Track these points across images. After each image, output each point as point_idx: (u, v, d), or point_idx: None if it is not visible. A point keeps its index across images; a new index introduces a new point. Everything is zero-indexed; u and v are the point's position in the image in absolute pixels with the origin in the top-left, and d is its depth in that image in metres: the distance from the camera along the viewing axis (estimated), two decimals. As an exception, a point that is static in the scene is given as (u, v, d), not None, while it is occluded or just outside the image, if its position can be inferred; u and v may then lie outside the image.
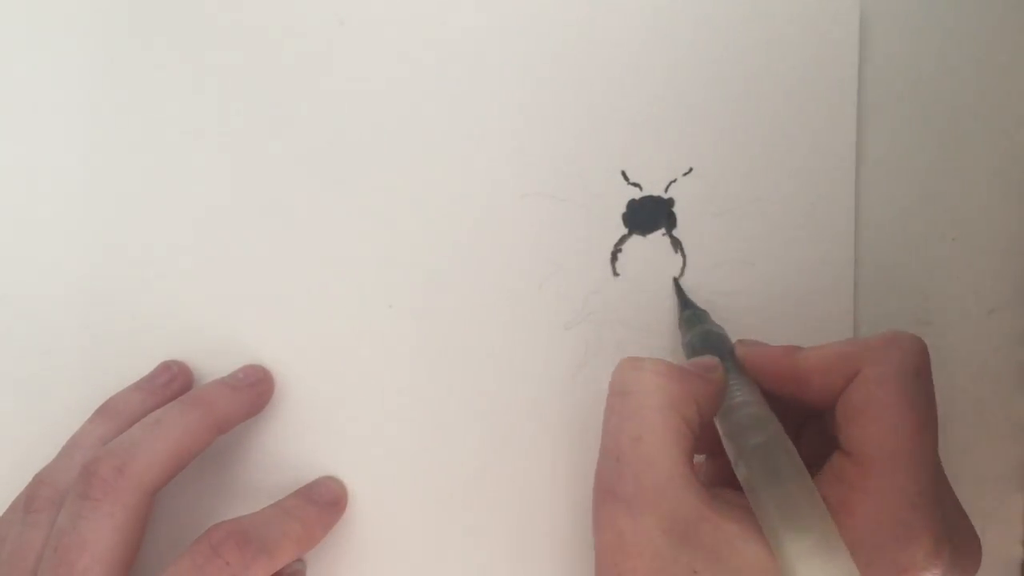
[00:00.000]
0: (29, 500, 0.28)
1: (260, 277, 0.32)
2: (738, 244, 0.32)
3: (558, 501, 0.32)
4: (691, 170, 0.32)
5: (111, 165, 0.32)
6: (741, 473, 0.24)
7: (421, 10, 0.31)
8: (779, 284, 0.32)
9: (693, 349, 0.29)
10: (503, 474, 0.32)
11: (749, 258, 0.32)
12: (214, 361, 0.32)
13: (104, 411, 0.30)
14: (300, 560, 0.31)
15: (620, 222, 0.32)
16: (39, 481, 0.28)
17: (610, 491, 0.24)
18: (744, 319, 0.32)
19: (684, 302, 0.31)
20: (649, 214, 0.32)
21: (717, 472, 0.29)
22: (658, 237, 0.32)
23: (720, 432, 0.26)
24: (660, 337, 0.32)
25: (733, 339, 0.29)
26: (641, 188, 0.32)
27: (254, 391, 0.31)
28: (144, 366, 0.32)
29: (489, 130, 0.32)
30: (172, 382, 0.31)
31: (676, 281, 0.32)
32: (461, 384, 0.32)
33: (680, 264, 0.32)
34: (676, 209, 0.32)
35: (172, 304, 0.32)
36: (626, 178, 0.32)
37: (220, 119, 0.32)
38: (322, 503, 0.31)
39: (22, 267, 0.32)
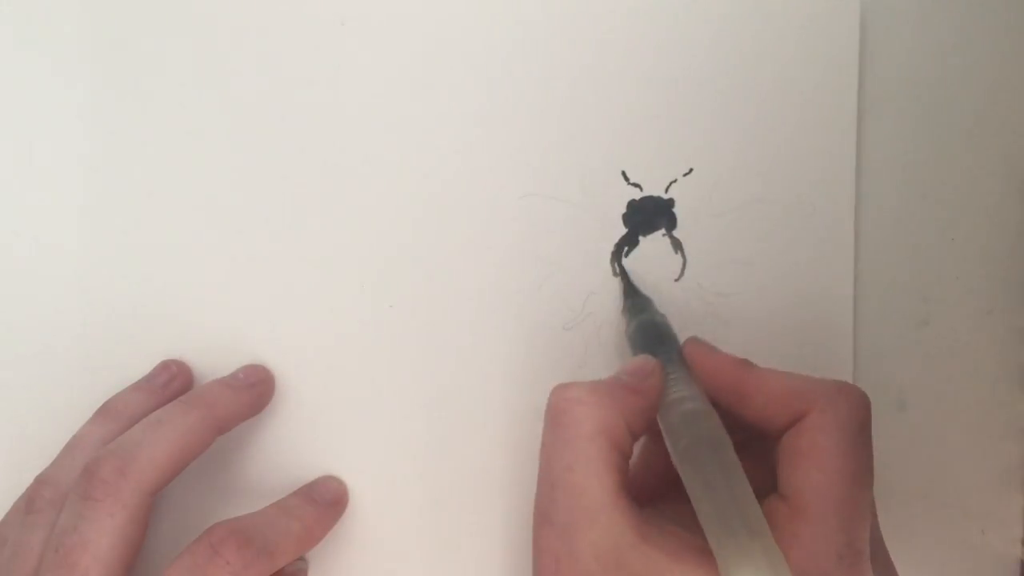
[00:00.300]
0: (30, 501, 0.28)
1: (260, 277, 0.32)
2: (738, 244, 0.32)
3: (558, 501, 0.32)
4: (691, 170, 0.32)
5: (111, 165, 0.32)
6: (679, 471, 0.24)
7: (421, 10, 0.31)
8: (779, 284, 0.32)
9: (635, 344, 0.29)
10: (503, 474, 0.32)
11: (749, 258, 0.32)
12: (214, 361, 0.32)
13: (104, 412, 0.30)
14: (302, 559, 0.31)
15: (620, 222, 0.32)
16: (40, 482, 0.28)
17: (546, 517, 0.24)
18: (744, 319, 0.32)
19: (630, 289, 0.31)
20: (649, 214, 0.32)
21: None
22: (658, 237, 0.32)
23: (661, 428, 0.26)
24: (660, 337, 0.32)
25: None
26: (641, 188, 0.32)
27: (254, 391, 0.31)
28: (144, 366, 0.32)
29: (489, 130, 0.31)
30: (172, 382, 0.31)
31: (621, 264, 0.31)
32: (461, 384, 0.32)
33: (680, 264, 0.32)
34: (676, 209, 0.32)
35: (172, 304, 0.32)
36: (626, 178, 0.32)
37: (220, 119, 0.32)
38: (323, 502, 0.31)
39: (22, 267, 0.32)
